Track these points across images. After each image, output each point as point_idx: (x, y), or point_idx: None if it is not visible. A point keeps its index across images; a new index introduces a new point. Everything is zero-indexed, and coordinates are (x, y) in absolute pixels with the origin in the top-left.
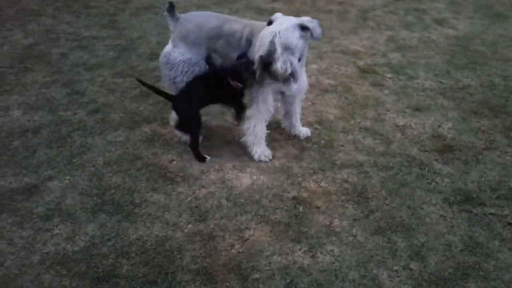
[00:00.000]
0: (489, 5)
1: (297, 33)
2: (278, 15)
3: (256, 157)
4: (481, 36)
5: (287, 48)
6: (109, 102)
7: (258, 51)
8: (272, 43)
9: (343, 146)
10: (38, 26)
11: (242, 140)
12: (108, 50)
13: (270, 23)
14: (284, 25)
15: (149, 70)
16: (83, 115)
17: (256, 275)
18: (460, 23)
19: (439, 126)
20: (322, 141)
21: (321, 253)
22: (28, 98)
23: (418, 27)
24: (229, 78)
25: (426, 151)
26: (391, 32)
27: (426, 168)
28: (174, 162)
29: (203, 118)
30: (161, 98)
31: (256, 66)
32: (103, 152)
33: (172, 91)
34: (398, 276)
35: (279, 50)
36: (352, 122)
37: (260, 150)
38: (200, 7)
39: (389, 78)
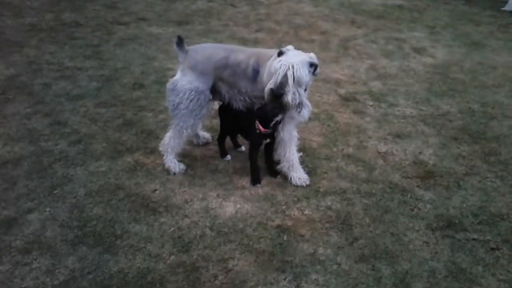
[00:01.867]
0: (467, 34)
1: (307, 69)
2: (289, 47)
3: (293, 182)
4: (459, 64)
5: (298, 83)
6: (92, 132)
7: (269, 83)
8: (285, 76)
9: (326, 173)
10: (21, 57)
11: (277, 168)
12: (91, 80)
13: (280, 54)
14: (296, 60)
15: (132, 100)
16: (65, 145)
17: None
18: (439, 52)
19: (420, 153)
20: (306, 169)
21: (306, 282)
22: (9, 129)
23: (398, 56)
24: (257, 122)
25: (408, 177)
26: (372, 61)
27: (409, 194)
28: (157, 192)
29: (187, 147)
30: (144, 128)
31: (266, 97)
32: (84, 183)
33: (173, 118)
34: None
35: (291, 83)
36: (335, 149)
37: (296, 175)
38: (185, 37)
39: (370, 105)
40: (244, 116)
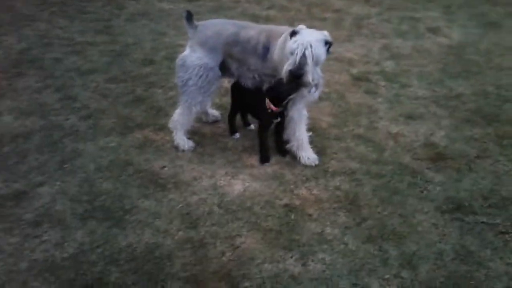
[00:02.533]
0: (483, 14)
1: (323, 47)
2: (301, 26)
3: (302, 161)
4: (474, 44)
5: (316, 61)
6: (102, 108)
7: (287, 64)
8: (303, 56)
9: (336, 153)
10: (32, 31)
11: (287, 147)
12: (102, 56)
13: (293, 33)
14: (312, 38)
15: (142, 76)
16: (75, 120)
17: (247, 284)
18: (454, 32)
19: (431, 135)
20: (315, 149)
21: (313, 261)
22: (20, 103)
23: (412, 36)
24: (267, 101)
25: (419, 159)
26: (385, 40)
27: (418, 176)
28: (166, 169)
29: (197, 124)
30: (154, 104)
31: (285, 78)
32: (94, 158)
33: (182, 94)
34: (389, 285)
35: (310, 62)
36: (345, 129)
37: (305, 154)
38: (195, 14)
39: (383, 86)
40: (255, 95)
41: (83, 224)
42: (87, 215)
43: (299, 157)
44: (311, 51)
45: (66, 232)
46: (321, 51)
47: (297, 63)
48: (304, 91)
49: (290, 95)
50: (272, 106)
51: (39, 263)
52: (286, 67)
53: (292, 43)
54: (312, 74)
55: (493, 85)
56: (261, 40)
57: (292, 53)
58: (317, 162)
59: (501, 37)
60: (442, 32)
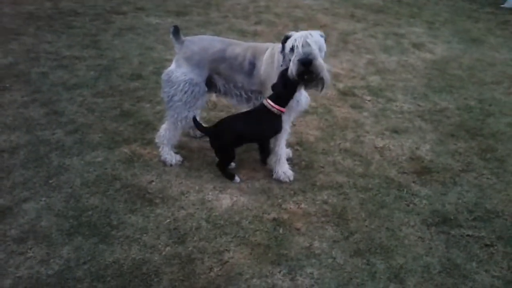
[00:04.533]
0: (466, 30)
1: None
2: (292, 32)
3: (276, 176)
4: (458, 60)
5: (320, 48)
6: (88, 122)
7: (293, 58)
8: (306, 43)
9: (323, 167)
10: (18, 45)
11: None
12: (89, 70)
13: (286, 39)
14: (308, 32)
15: (130, 90)
16: (61, 135)
17: None
18: (438, 47)
19: (417, 148)
20: (303, 162)
21: (301, 275)
22: (5, 118)
23: (396, 51)
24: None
25: (405, 173)
26: (371, 55)
27: (405, 190)
28: (154, 183)
29: (184, 139)
30: (142, 118)
31: (295, 70)
32: (81, 173)
33: (168, 110)
34: None
35: (314, 47)
36: (332, 143)
37: (282, 170)
38: (183, 28)
39: (368, 100)
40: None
41: (69, 240)
42: (73, 231)
43: (275, 172)
44: (312, 39)
45: (52, 248)
46: (320, 38)
47: (301, 52)
48: (292, 102)
49: (295, 91)
50: (277, 107)
51: (23, 280)
52: (294, 59)
53: (289, 42)
54: (320, 57)
55: (476, 100)
56: (247, 57)
57: (292, 49)
58: (292, 178)
59: (483, 52)
60: (426, 48)
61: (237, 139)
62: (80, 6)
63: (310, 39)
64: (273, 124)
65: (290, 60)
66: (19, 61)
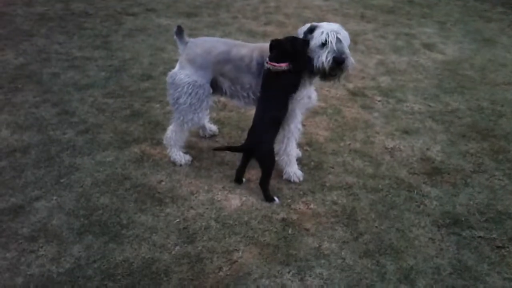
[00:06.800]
0: (478, 30)
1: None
2: (317, 23)
3: (286, 176)
4: (469, 60)
5: (348, 45)
6: (99, 122)
7: (324, 53)
8: (339, 41)
9: (333, 168)
10: (30, 46)
11: (277, 159)
12: (100, 71)
13: (312, 29)
14: (335, 26)
15: (140, 91)
16: (72, 135)
17: None
18: (449, 48)
19: (427, 149)
20: (312, 163)
21: (310, 276)
22: (17, 118)
23: (407, 52)
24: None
25: (415, 173)
26: (381, 56)
27: (415, 191)
28: (163, 183)
29: (194, 139)
30: (152, 119)
31: (328, 66)
32: (91, 172)
33: (174, 112)
34: None
35: (346, 45)
36: (341, 144)
37: (292, 170)
38: (193, 29)
39: (379, 101)
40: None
41: (80, 239)
42: (84, 230)
43: (285, 172)
44: (342, 34)
45: (63, 247)
46: (346, 33)
47: (336, 49)
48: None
49: (303, 60)
50: (282, 64)
51: (35, 278)
52: (327, 54)
53: (319, 35)
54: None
55: (488, 100)
56: (255, 57)
57: (324, 43)
58: (301, 179)
59: (495, 53)
60: (437, 48)
61: (276, 128)
62: (91, 7)
63: (340, 36)
64: (288, 79)
65: (317, 52)
66: (30, 62)
